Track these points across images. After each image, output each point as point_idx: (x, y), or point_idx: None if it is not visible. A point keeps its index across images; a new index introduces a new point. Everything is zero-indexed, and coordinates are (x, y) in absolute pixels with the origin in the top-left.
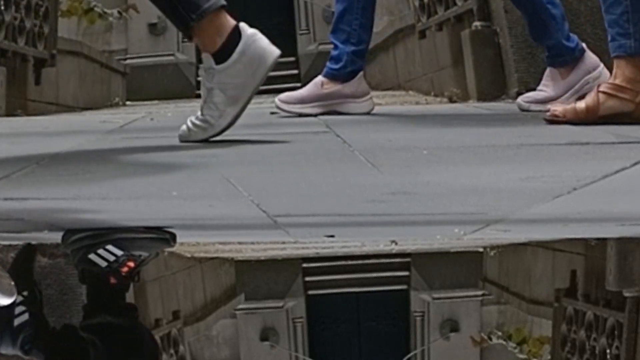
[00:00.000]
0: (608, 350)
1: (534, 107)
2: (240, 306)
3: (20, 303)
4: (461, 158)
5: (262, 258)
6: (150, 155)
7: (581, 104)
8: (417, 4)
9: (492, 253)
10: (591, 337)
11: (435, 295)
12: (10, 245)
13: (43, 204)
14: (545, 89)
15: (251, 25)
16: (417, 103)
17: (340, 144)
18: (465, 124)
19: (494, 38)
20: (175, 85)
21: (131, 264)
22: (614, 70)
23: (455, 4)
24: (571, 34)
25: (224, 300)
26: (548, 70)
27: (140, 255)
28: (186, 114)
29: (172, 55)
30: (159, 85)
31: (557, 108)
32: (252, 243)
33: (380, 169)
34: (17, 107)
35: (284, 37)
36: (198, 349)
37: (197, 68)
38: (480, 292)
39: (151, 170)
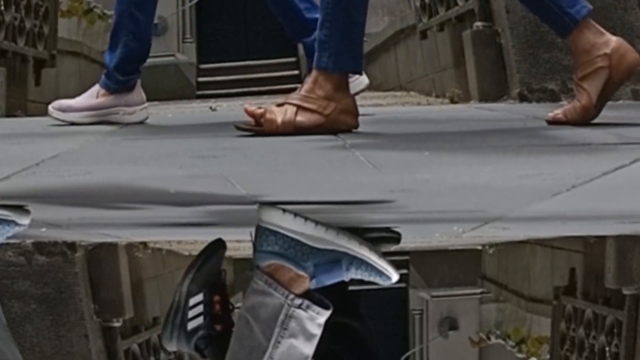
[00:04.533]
0: (607, 348)
1: None
2: (239, 304)
3: (198, 304)
4: (462, 159)
5: None
6: (150, 157)
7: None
8: (418, 4)
9: (490, 251)
10: (590, 335)
11: (434, 293)
12: (7, 244)
13: (40, 201)
14: None
15: (252, 26)
16: (419, 104)
17: (340, 145)
18: (466, 125)
19: (496, 38)
20: (175, 85)
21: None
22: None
23: (456, 4)
24: None
25: None
26: None
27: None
28: (186, 115)
29: (173, 55)
30: (159, 85)
31: (558, 110)
32: (251, 241)
33: (381, 169)
34: (17, 107)
35: (284, 37)
36: None
37: (198, 69)
38: (479, 290)
39: (151, 171)
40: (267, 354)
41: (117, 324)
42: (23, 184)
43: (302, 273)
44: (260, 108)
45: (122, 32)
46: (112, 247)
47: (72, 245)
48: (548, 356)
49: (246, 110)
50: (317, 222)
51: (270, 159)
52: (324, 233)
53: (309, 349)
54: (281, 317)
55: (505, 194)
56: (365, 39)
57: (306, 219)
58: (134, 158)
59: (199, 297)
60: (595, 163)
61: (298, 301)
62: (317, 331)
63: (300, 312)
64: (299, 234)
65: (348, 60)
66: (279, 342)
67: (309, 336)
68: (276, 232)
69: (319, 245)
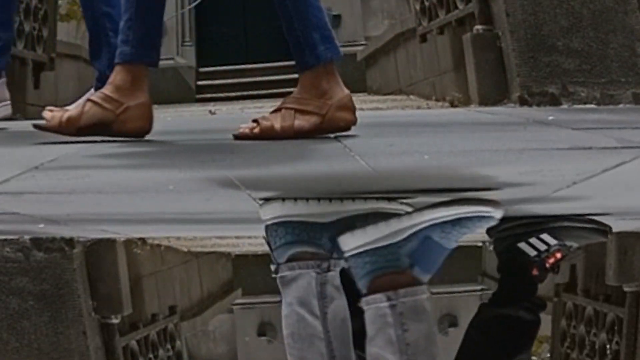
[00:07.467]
0: (608, 346)
1: None
2: (237, 301)
3: None
4: (462, 162)
5: (260, 253)
6: (149, 159)
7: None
8: (418, 7)
9: (491, 247)
10: (591, 333)
11: (434, 290)
12: (5, 240)
13: (39, 197)
14: None
15: (251, 29)
16: (419, 107)
17: (340, 148)
18: (467, 128)
19: (496, 42)
20: (174, 89)
21: (559, 255)
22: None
23: (456, 7)
24: None
25: (220, 295)
26: None
27: (571, 247)
28: (186, 118)
29: (172, 59)
30: (158, 89)
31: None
32: (250, 237)
33: (381, 173)
34: (16, 111)
35: (284, 40)
36: (195, 344)
37: (197, 72)
38: (479, 287)
39: (150, 172)
40: (324, 333)
41: (115, 321)
42: (22, 187)
43: (321, 251)
44: (254, 122)
45: (101, 34)
46: (110, 243)
47: (70, 242)
48: (548, 355)
49: (242, 135)
50: (319, 198)
51: (270, 163)
52: (328, 205)
53: (345, 298)
54: (317, 288)
55: (505, 190)
56: (364, 42)
57: (307, 199)
58: (133, 162)
59: None
60: (596, 162)
61: (325, 264)
62: (339, 278)
63: (330, 274)
64: (305, 215)
65: (326, 49)
66: (325, 314)
67: (340, 288)
68: (284, 223)
69: (329, 219)
